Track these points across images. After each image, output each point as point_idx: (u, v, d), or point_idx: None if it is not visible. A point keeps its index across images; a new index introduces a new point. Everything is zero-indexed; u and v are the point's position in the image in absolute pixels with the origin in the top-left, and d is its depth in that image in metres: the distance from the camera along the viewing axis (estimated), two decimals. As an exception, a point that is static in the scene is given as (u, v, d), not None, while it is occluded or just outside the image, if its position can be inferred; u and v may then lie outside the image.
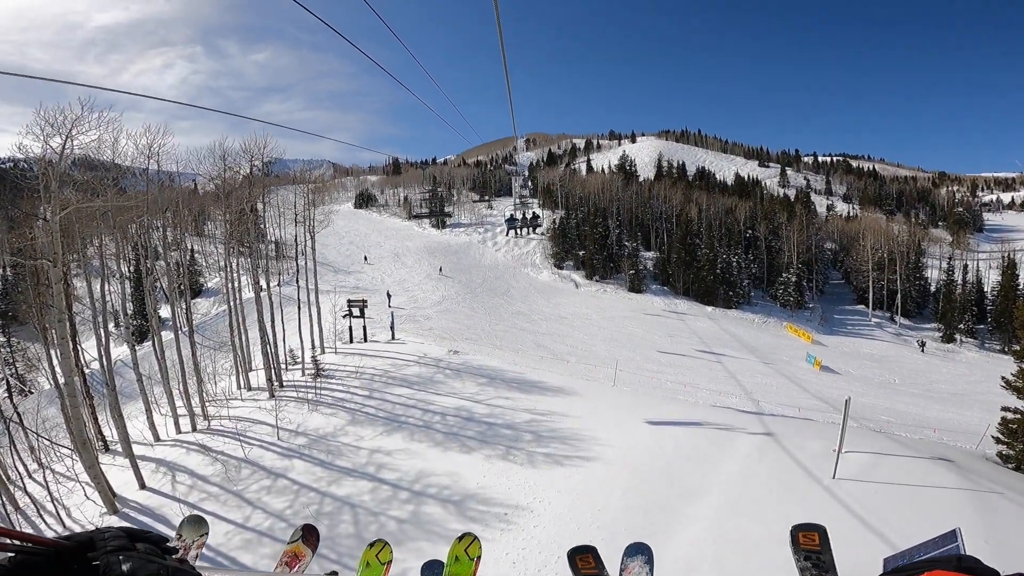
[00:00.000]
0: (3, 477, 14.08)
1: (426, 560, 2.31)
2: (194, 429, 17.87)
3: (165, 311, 30.38)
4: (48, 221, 12.46)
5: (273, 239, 39.49)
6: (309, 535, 2.17)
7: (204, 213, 55.28)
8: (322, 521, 12.04)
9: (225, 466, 14.67)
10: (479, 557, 2.17)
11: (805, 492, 11.63)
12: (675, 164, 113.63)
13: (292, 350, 24.12)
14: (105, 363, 16.51)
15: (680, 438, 14.93)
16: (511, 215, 59.97)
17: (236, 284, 22.62)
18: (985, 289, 50.04)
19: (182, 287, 24.55)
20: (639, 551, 1.97)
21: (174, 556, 0.90)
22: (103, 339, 17.04)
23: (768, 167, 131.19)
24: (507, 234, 61.19)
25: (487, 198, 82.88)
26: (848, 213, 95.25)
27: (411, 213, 75.32)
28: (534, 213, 58.93)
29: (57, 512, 13.46)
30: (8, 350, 36.26)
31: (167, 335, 21.23)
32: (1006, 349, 37.10)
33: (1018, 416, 15.66)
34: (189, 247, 48.74)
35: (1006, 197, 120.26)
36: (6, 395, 27.50)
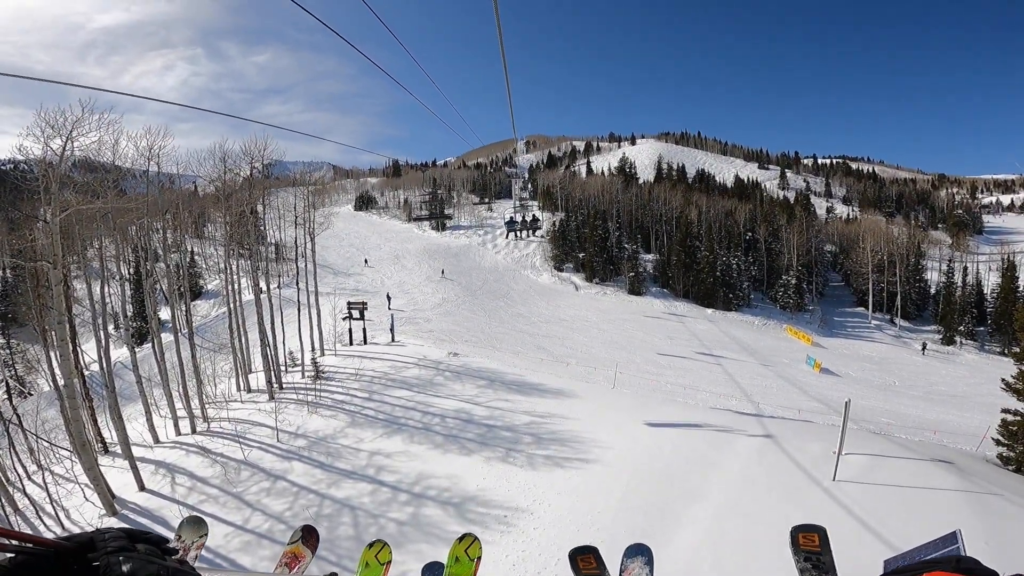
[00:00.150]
0: (2, 479, 14.06)
1: (426, 562, 2.31)
2: (194, 431, 17.86)
3: (165, 313, 30.39)
4: (48, 223, 12.47)
5: (273, 241, 39.49)
6: (309, 536, 2.17)
7: (204, 215, 55.34)
8: (322, 523, 12.02)
9: (225, 468, 14.65)
10: (479, 558, 2.16)
11: (805, 494, 11.61)
12: (675, 166, 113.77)
13: (292, 352, 24.11)
14: (105, 365, 16.51)
15: (680, 440, 14.92)
16: (511, 217, 60.06)
17: (236, 286, 22.63)
18: (985, 291, 50.00)
19: (182, 289, 24.56)
20: (639, 552, 1.97)
21: (174, 557, 0.91)
22: (103, 341, 17.05)
23: (768, 169, 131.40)
24: (507, 236, 61.22)
25: (487, 200, 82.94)
26: (848, 215, 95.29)
27: (411, 215, 75.34)
28: (534, 216, 59.05)
29: (56, 514, 13.44)
30: (8, 352, 36.21)
31: (167, 337, 21.23)
32: (1006, 351, 37.03)
33: (1018, 418, 15.65)
34: (189, 249, 48.81)
35: (1006, 199, 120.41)
36: (6, 397, 27.45)
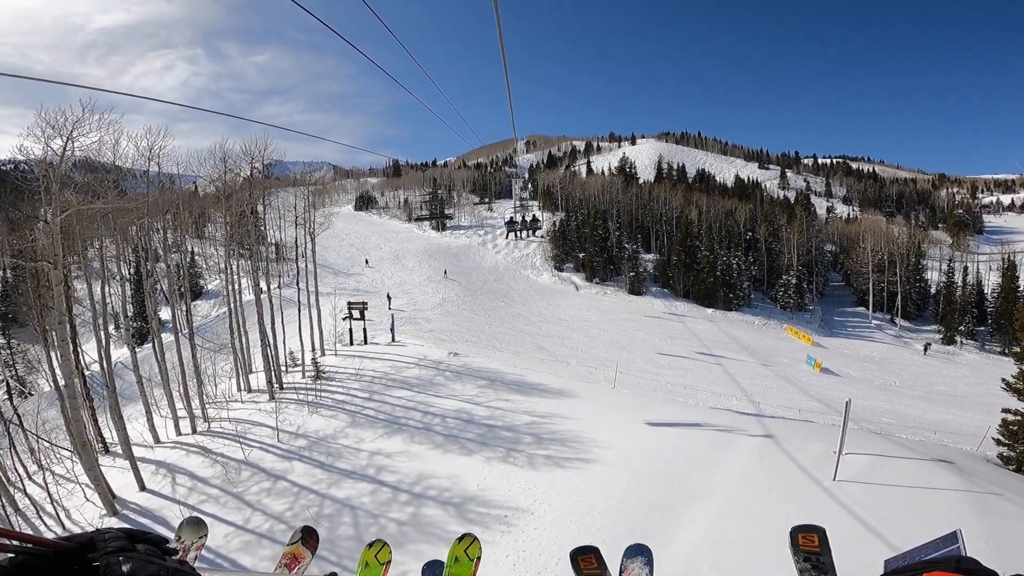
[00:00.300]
0: (3, 479, 14.07)
1: (426, 562, 2.31)
2: (194, 431, 17.86)
3: (165, 313, 30.41)
4: (49, 223, 12.48)
5: (273, 241, 39.46)
6: (308, 537, 2.16)
7: (204, 215, 55.34)
8: (322, 523, 12.02)
9: (225, 468, 14.65)
10: (479, 558, 2.16)
11: (805, 494, 11.61)
12: (675, 166, 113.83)
13: (292, 352, 24.12)
14: (105, 365, 16.51)
15: (680, 440, 14.92)
16: (511, 217, 60.10)
17: (236, 286, 22.64)
18: (985, 291, 50.00)
19: (182, 289, 24.57)
20: (639, 552, 1.97)
21: (174, 557, 0.91)
22: (103, 341, 17.04)
23: (768, 169, 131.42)
24: (507, 236, 61.27)
25: (487, 200, 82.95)
26: (848, 215, 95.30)
27: (411, 215, 75.36)
28: (534, 216, 59.08)
29: (57, 514, 13.44)
30: (8, 352, 36.24)
31: (167, 337, 21.24)
32: (1006, 351, 37.03)
33: (1018, 418, 15.65)
34: (189, 249, 48.83)
35: (1006, 199, 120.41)
36: (6, 397, 27.48)
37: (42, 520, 13.41)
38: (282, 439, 16.18)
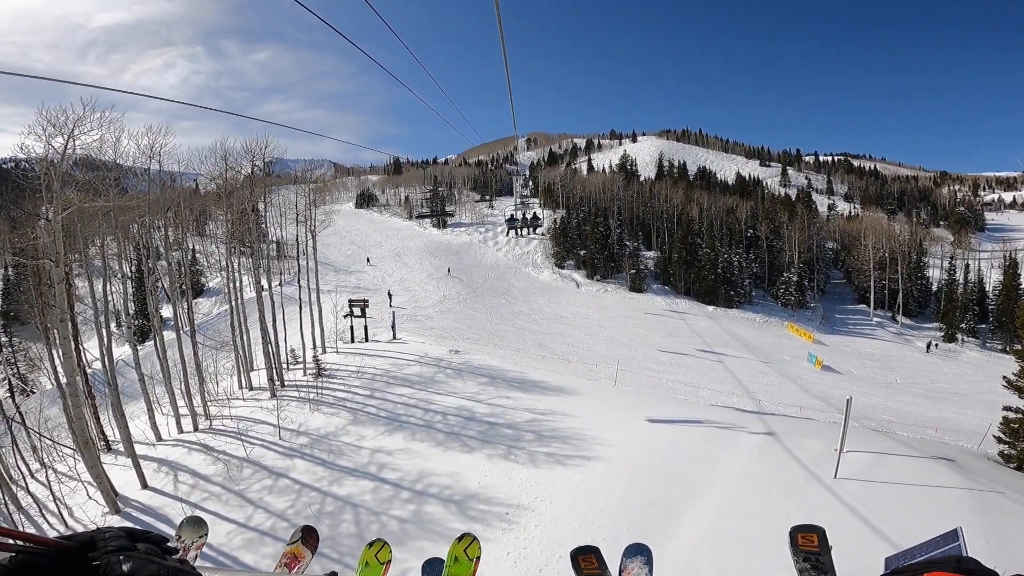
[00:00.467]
0: (6, 477, 14.12)
1: (425, 560, 2.31)
2: (196, 429, 17.90)
3: (167, 311, 30.41)
4: (50, 221, 12.50)
5: (274, 239, 39.55)
6: (308, 536, 2.17)
7: (205, 213, 55.35)
8: (324, 521, 12.06)
9: (227, 466, 14.69)
10: (478, 558, 2.17)
11: (806, 491, 11.63)
12: (676, 164, 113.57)
13: (293, 350, 24.15)
14: (107, 363, 16.54)
15: (681, 437, 14.93)
16: (511, 215, 59.84)
17: (237, 284, 22.66)
18: (987, 288, 49.91)
19: (184, 287, 24.55)
20: (638, 552, 1.97)
21: (174, 556, 0.91)
22: (105, 339, 17.06)
23: (769, 167, 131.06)
24: (507, 234, 61.17)
25: (488, 198, 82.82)
26: (849, 213, 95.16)
27: (412, 213, 75.30)
28: (534, 213, 58.88)
29: (59, 512, 13.49)
30: (10, 350, 36.31)
31: (169, 335, 21.27)
32: (1007, 348, 36.96)
33: (1019, 416, 15.66)
34: (190, 247, 48.82)
35: (1008, 196, 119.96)
36: (8, 395, 27.54)
37: (45, 518, 13.46)
38: (284, 437, 16.21)
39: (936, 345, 42.61)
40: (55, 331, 16.97)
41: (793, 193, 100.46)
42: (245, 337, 22.29)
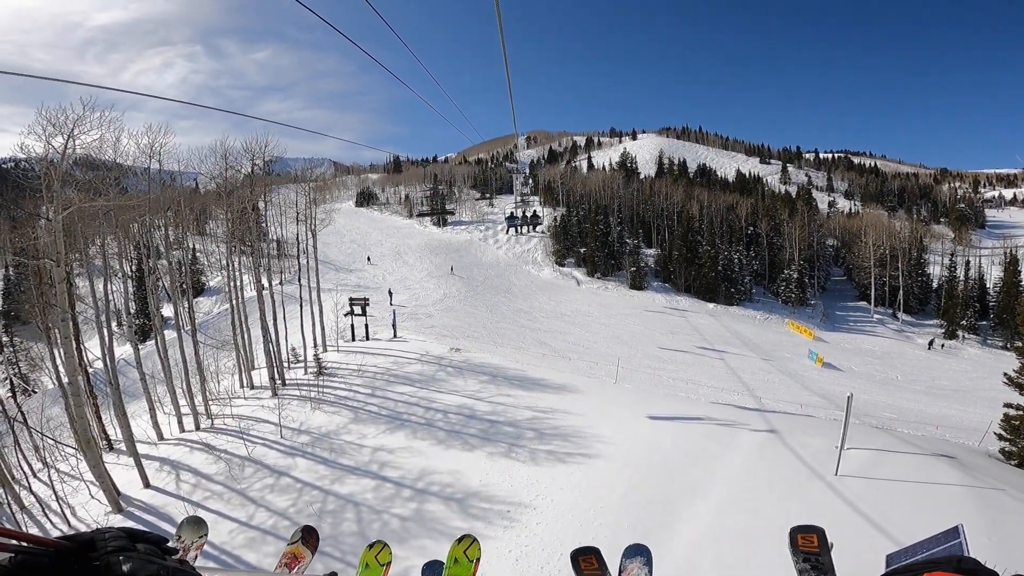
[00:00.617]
0: (8, 476, 14.15)
1: (429, 558, 2.31)
2: (197, 428, 17.93)
3: (167, 310, 30.46)
4: (51, 221, 12.50)
5: (275, 238, 39.52)
6: (309, 536, 2.17)
7: (206, 212, 55.36)
8: (325, 519, 12.08)
9: (228, 464, 14.72)
10: (478, 559, 2.17)
11: (807, 489, 11.63)
12: (676, 161, 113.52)
13: (294, 348, 24.17)
14: (108, 362, 16.56)
15: (682, 435, 14.94)
16: (511, 213, 60.01)
17: (238, 283, 22.66)
18: (987, 285, 49.86)
19: (184, 286, 24.59)
20: (638, 552, 1.96)
21: (174, 557, 0.91)
22: (106, 338, 17.08)
23: (769, 164, 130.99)
24: (507, 232, 61.23)
25: (488, 196, 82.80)
26: (850, 210, 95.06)
27: (412, 211, 75.28)
28: (534, 211, 58.97)
29: (62, 511, 13.52)
30: (11, 349, 36.35)
31: (170, 334, 21.31)
32: (1008, 345, 36.89)
33: (1020, 412, 15.65)
34: (191, 246, 48.85)
35: (1008, 193, 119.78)
36: (10, 394, 27.60)
37: (48, 517, 13.49)
38: (285, 435, 16.23)
39: (942, 346, 42.31)
40: (56, 330, 17.00)
41: (793, 190, 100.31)
42: (246, 336, 22.31)
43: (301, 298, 26.24)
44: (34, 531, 12.75)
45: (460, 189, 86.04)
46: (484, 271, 51.25)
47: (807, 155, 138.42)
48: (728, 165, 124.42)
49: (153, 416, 17.83)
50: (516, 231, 59.80)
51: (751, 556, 9.22)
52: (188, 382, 19.01)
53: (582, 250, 54.63)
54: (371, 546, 2.10)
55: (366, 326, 27.34)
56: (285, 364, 22.56)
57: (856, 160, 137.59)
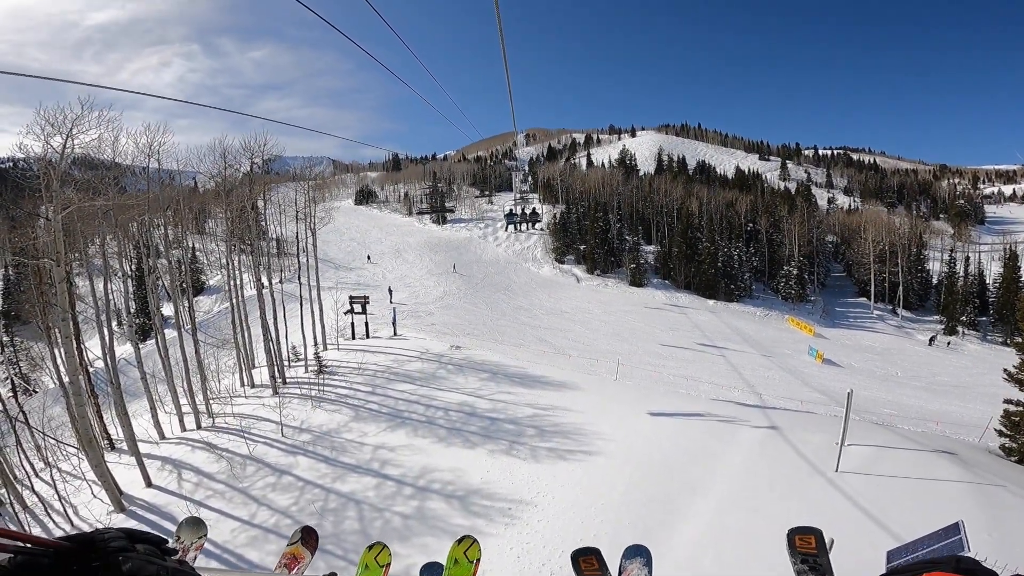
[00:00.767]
0: (10, 476, 14.17)
1: (431, 556, 2.31)
2: (199, 427, 17.94)
3: (167, 309, 30.49)
4: (50, 220, 12.49)
5: (274, 236, 39.49)
6: (308, 537, 2.17)
7: (205, 211, 55.32)
8: (327, 518, 12.09)
9: (230, 463, 14.73)
10: (478, 559, 2.16)
11: (808, 485, 11.64)
12: (675, 158, 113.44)
13: (295, 347, 24.18)
14: (109, 362, 16.57)
15: (682, 431, 14.95)
16: (510, 210, 60.01)
17: (238, 281, 22.66)
18: (987, 281, 49.91)
19: (184, 285, 24.56)
20: (638, 553, 1.96)
21: (173, 557, 0.91)
22: (107, 338, 17.08)
23: (768, 160, 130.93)
24: (506, 229, 61.23)
25: (488, 193, 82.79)
26: (849, 206, 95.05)
27: (412, 209, 75.23)
28: (533, 209, 58.96)
29: (65, 511, 13.53)
30: (12, 349, 36.37)
31: (170, 333, 21.31)
32: (1008, 341, 36.91)
33: (1020, 409, 15.67)
34: (190, 245, 48.83)
35: (1007, 189, 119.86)
36: (11, 394, 27.63)
37: (50, 517, 13.50)
38: (286, 434, 16.25)
39: (948, 343, 42.15)
40: (57, 330, 16.99)
41: (793, 187, 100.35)
42: (246, 334, 22.32)
43: (301, 296, 26.24)
44: (37, 530, 12.79)
45: (459, 187, 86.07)
46: (484, 269, 51.25)
47: (806, 152, 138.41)
48: (727, 162, 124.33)
49: (154, 415, 17.84)
50: (515, 228, 59.79)
51: (751, 554, 9.23)
52: (189, 381, 19.02)
53: (582, 247, 54.64)
54: (371, 547, 2.10)
55: (366, 324, 27.35)
56: (285, 362, 22.57)
57: (855, 156, 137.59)
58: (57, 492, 14.08)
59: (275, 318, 21.83)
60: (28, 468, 15.75)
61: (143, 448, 15.58)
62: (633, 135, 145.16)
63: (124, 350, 28.17)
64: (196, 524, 2.04)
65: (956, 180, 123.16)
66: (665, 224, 61.43)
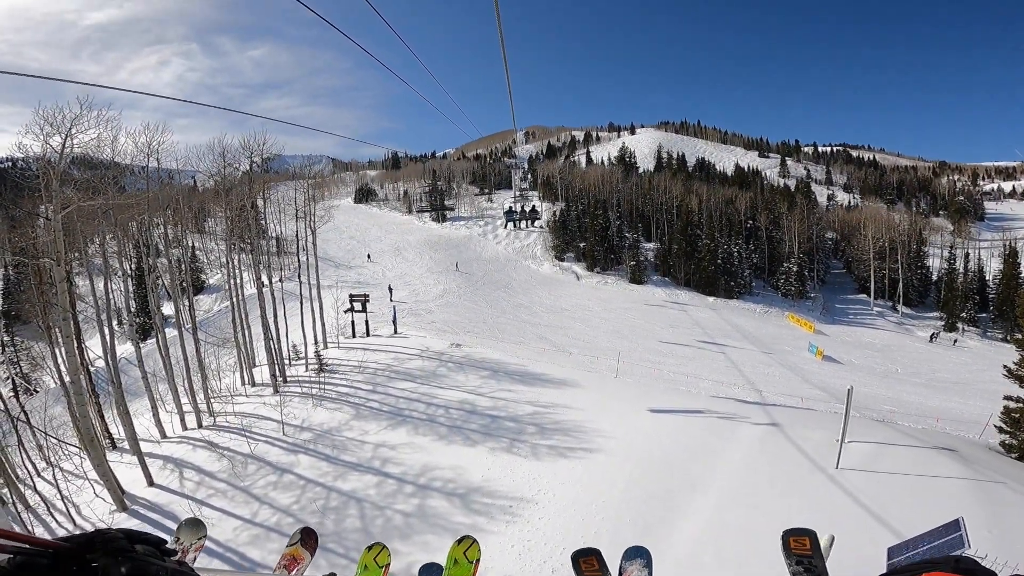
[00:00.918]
0: (12, 476, 14.18)
1: (432, 554, 2.31)
2: (200, 425, 17.96)
3: (168, 308, 30.47)
4: (50, 220, 12.48)
5: (274, 235, 39.46)
6: (308, 538, 2.16)
7: (204, 210, 55.26)
8: (329, 516, 12.12)
9: (232, 462, 14.75)
10: (478, 560, 2.16)
11: (808, 482, 11.66)
12: (675, 155, 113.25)
13: (295, 345, 24.19)
14: (110, 361, 16.56)
15: (683, 429, 14.96)
16: (510, 208, 60.04)
17: (238, 280, 22.66)
18: (987, 278, 49.90)
19: (184, 284, 24.54)
20: (638, 554, 1.95)
21: (173, 558, 0.91)
22: (107, 337, 17.08)
23: (768, 157, 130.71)
24: (506, 227, 61.20)
25: (487, 191, 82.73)
26: (849, 203, 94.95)
27: (411, 207, 75.18)
28: (533, 206, 58.99)
29: (67, 510, 13.55)
30: (13, 349, 36.38)
31: (170, 332, 21.32)
32: (1008, 338, 36.91)
33: (1020, 405, 15.68)
34: (190, 244, 48.81)
35: (1007, 186, 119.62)
36: (12, 394, 27.64)
37: (53, 517, 13.52)
38: (287, 432, 16.26)
39: (954, 341, 42.03)
40: (57, 330, 17.00)
41: (792, 184, 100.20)
42: (246, 333, 22.32)
43: (301, 295, 26.24)
44: (40, 530, 12.81)
45: (459, 185, 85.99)
46: (484, 266, 51.25)
47: (806, 149, 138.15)
48: (727, 159, 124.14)
49: (155, 414, 17.85)
50: (515, 226, 59.80)
51: (752, 551, 9.24)
52: (189, 380, 19.04)
53: (581, 245, 54.62)
54: (370, 548, 2.10)
55: (366, 322, 27.36)
56: (286, 361, 22.58)
57: (855, 153, 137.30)
58: (59, 491, 14.10)
59: (275, 317, 21.83)
60: (30, 468, 15.75)
61: (144, 447, 15.59)
62: (632, 132, 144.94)
63: (125, 349, 28.18)
64: (196, 525, 2.04)
65: (956, 177, 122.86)
66: (665, 221, 61.37)
